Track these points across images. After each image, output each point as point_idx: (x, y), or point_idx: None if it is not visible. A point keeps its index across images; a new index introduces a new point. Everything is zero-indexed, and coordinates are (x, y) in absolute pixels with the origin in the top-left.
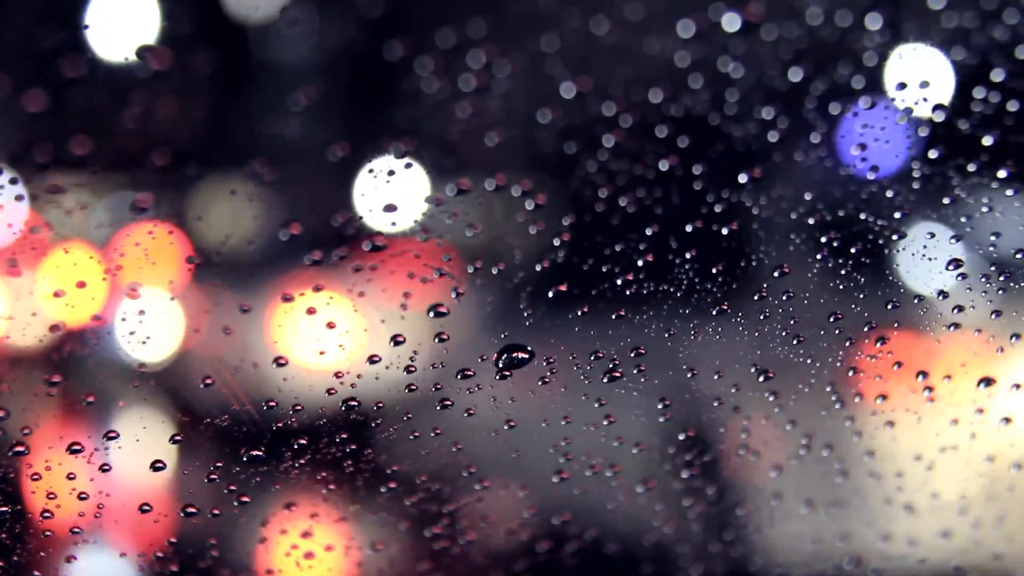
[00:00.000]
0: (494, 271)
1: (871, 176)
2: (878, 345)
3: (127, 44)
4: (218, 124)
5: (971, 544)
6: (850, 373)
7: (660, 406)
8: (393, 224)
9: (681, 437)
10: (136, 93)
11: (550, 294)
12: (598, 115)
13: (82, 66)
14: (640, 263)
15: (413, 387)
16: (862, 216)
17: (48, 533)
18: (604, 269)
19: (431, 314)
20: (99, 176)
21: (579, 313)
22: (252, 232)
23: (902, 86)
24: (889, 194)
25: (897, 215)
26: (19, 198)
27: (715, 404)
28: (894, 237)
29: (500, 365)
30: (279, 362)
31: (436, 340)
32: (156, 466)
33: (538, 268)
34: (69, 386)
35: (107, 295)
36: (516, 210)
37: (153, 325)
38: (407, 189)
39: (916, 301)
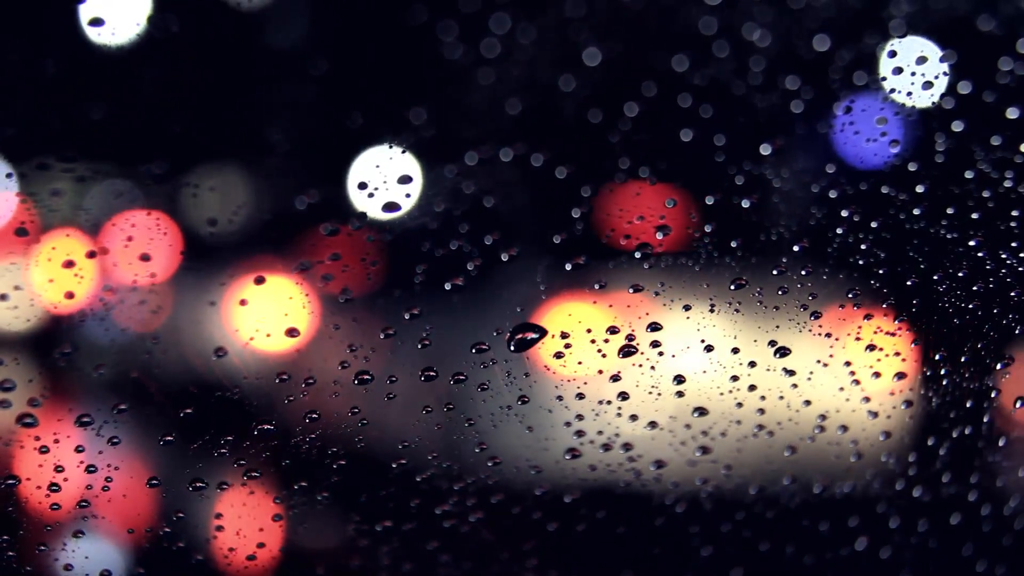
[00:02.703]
0: (511, 243)
1: (893, 149)
2: (897, 322)
3: (124, 21)
4: (234, 90)
5: (989, 527)
6: (868, 351)
7: (675, 383)
8: (408, 196)
9: (696, 416)
10: (146, 61)
11: (567, 267)
12: (622, 83)
13: (77, 48)
14: (659, 236)
15: (432, 373)
16: (883, 190)
17: (56, 506)
18: (622, 242)
19: (447, 287)
20: (112, 151)
21: (596, 287)
22: (265, 201)
23: (924, 59)
24: (911, 168)
25: (919, 189)
26: (41, 165)
27: (731, 381)
28: (915, 211)
29: (512, 347)
30: (291, 333)
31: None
32: (165, 439)
33: (556, 240)
34: (79, 357)
35: (118, 266)
36: (535, 180)
37: (165, 296)
38: (423, 159)
39: (936, 277)
